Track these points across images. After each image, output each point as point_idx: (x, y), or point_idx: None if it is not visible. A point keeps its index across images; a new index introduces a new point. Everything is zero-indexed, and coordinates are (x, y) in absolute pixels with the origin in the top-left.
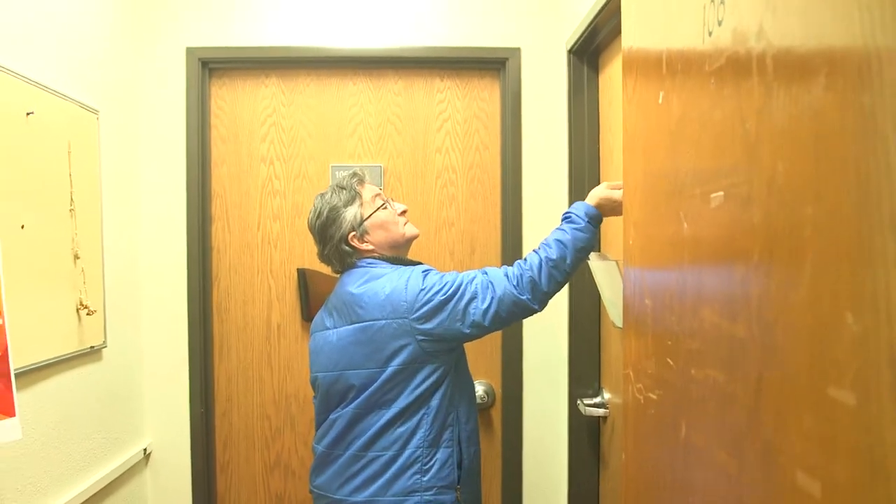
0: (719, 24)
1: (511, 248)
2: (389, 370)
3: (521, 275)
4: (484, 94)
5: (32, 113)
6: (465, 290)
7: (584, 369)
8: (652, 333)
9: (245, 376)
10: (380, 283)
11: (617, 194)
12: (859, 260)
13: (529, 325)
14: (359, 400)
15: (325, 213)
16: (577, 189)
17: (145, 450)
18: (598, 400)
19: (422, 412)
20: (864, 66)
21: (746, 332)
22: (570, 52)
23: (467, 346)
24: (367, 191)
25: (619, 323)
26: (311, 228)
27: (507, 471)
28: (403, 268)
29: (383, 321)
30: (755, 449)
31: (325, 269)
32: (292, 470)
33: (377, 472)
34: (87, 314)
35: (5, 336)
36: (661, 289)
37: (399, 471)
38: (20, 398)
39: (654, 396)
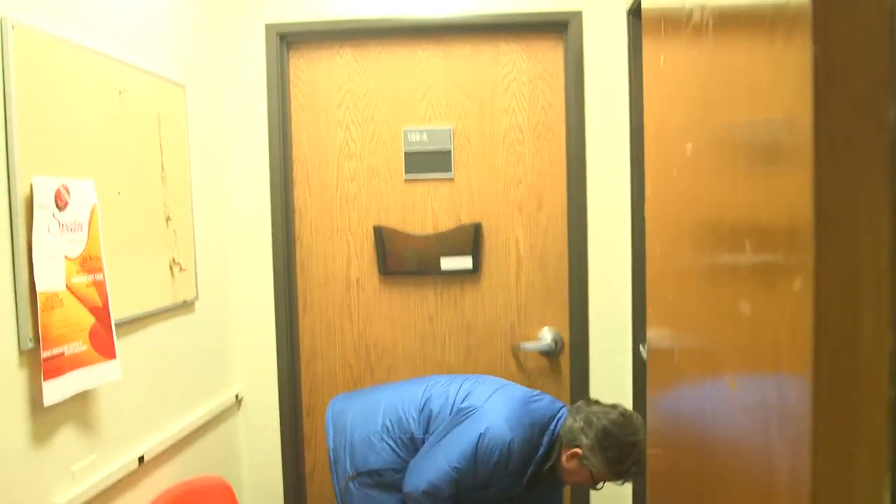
0: None
1: (576, 202)
2: None
3: (434, 500)
4: (548, 56)
5: (125, 91)
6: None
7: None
8: (660, 271)
9: (327, 328)
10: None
11: None
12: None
13: (594, 275)
14: None
15: (611, 437)
16: (637, 145)
17: (237, 395)
18: None
19: None
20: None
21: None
22: (629, 13)
23: (536, 293)
24: (611, 481)
25: None
26: (605, 419)
27: None
28: (521, 431)
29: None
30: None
31: (400, 226)
32: None
33: None
34: (180, 271)
35: (106, 289)
36: (663, 236)
37: None
38: (121, 345)
39: (664, 332)
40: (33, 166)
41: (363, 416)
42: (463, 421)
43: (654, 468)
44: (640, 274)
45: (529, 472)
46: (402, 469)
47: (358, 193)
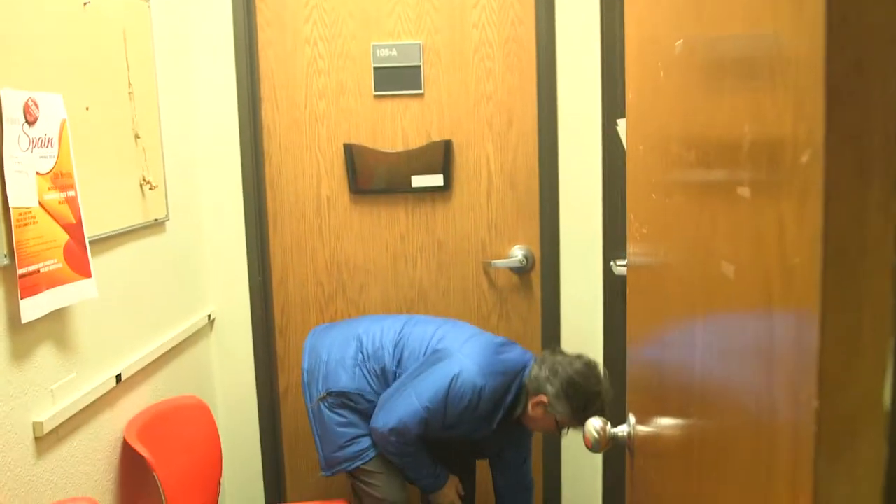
0: None
1: (546, 119)
2: None
3: (402, 434)
4: None
5: (89, 2)
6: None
7: (618, 231)
8: (643, 170)
9: (298, 247)
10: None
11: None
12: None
13: (565, 192)
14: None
15: (582, 392)
16: (609, 61)
17: (209, 315)
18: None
19: None
20: None
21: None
22: None
23: (507, 210)
24: (574, 428)
25: None
26: (575, 371)
27: (546, 332)
28: (491, 379)
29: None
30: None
31: (370, 143)
32: None
33: None
34: (150, 189)
35: (78, 206)
36: (649, 136)
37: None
38: (95, 264)
39: (645, 231)
40: (1, 78)
41: (340, 342)
42: (437, 363)
43: (634, 377)
44: (611, 190)
45: (497, 418)
46: (371, 399)
47: (327, 110)
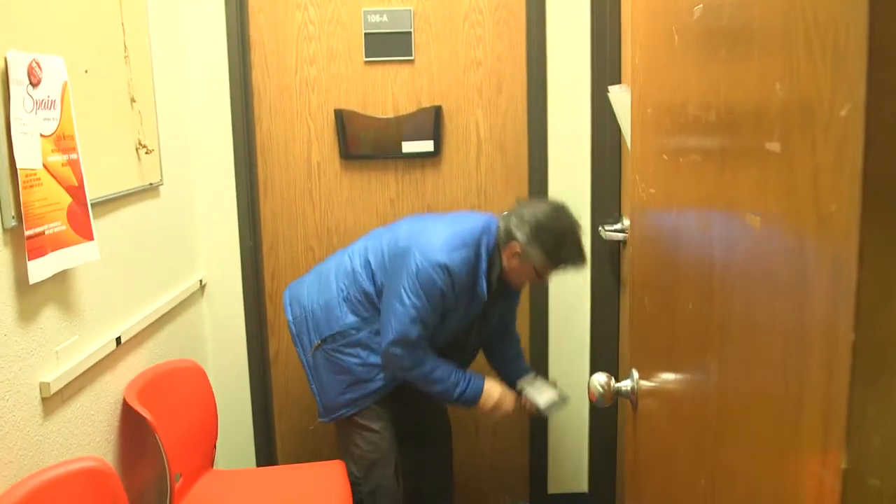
0: None
1: (535, 86)
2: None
3: (410, 350)
4: None
5: None
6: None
7: (606, 198)
8: (653, 132)
9: (289, 212)
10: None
11: (497, 410)
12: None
13: (554, 158)
14: None
15: (554, 235)
16: (599, 29)
17: (201, 281)
18: (618, 226)
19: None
20: None
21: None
22: None
23: (497, 176)
24: (557, 270)
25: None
26: (542, 215)
27: (535, 298)
28: (462, 253)
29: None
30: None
31: (361, 109)
32: None
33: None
34: (146, 153)
35: (80, 169)
36: (661, 99)
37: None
38: (95, 226)
39: (653, 191)
40: (6, 41)
41: (318, 287)
42: (399, 264)
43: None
44: (600, 156)
45: (483, 286)
46: (363, 327)
47: (318, 76)
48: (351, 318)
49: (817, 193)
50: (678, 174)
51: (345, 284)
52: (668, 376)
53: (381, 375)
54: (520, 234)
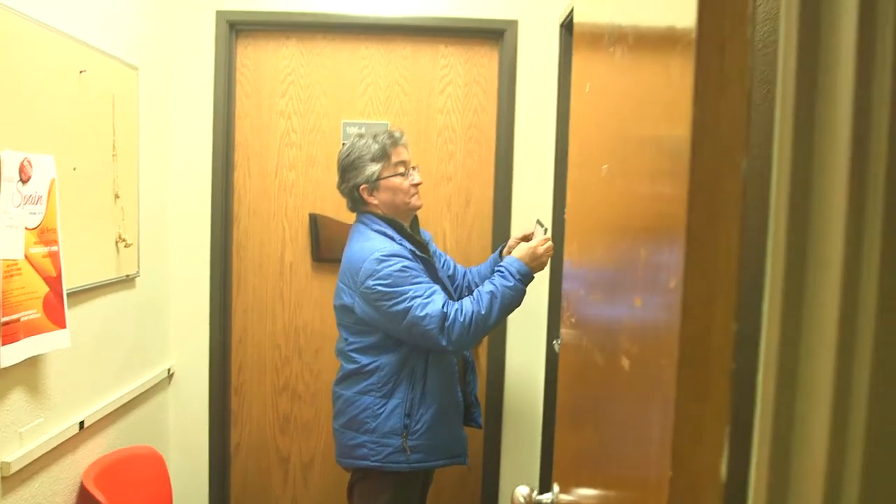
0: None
1: (501, 203)
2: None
3: (453, 322)
4: (483, 62)
5: (85, 71)
6: (408, 303)
7: (560, 315)
8: (578, 264)
9: (259, 309)
10: (355, 250)
11: (540, 249)
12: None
13: None
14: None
15: (352, 157)
16: (561, 152)
17: (169, 369)
18: None
19: (377, 366)
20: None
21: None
22: (561, 26)
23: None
24: (396, 155)
25: None
26: (338, 162)
27: (491, 397)
28: (381, 239)
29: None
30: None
31: (334, 215)
32: (298, 394)
33: (340, 409)
34: (125, 246)
35: (60, 260)
36: (585, 238)
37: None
38: (68, 315)
39: (574, 320)
40: (2, 140)
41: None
42: (353, 278)
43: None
44: (558, 274)
45: (421, 242)
46: (371, 355)
47: (296, 181)
48: (362, 356)
49: (659, 344)
50: (589, 310)
51: (342, 329)
52: (583, 492)
53: None
54: (346, 183)
